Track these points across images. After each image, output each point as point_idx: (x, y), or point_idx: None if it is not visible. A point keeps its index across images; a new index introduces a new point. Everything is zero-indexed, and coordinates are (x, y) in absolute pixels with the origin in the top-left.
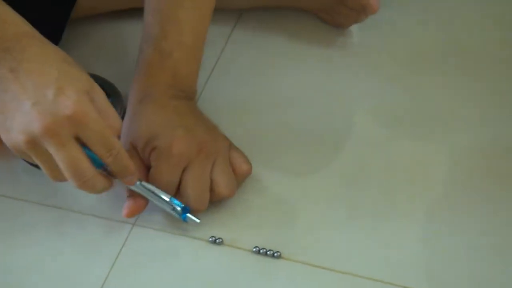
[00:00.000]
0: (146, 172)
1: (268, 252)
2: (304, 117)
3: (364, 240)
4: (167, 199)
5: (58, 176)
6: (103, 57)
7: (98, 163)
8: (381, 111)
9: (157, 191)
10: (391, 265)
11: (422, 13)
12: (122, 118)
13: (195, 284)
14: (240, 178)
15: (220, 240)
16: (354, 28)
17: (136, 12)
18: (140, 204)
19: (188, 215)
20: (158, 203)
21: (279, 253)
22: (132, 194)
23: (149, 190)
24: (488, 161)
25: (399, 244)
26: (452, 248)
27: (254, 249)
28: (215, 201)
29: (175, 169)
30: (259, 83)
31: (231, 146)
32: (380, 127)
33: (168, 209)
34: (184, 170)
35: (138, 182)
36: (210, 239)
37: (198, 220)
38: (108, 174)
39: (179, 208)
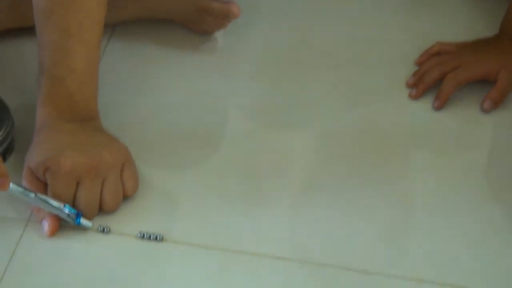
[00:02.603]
0: (45, 189)
1: (152, 237)
2: (182, 118)
3: (237, 220)
4: (61, 207)
5: None
6: None
7: None
8: (247, 106)
9: (50, 200)
10: (264, 240)
11: (275, 16)
12: (11, 130)
13: (87, 274)
14: (125, 197)
15: (108, 229)
16: (219, 34)
17: (25, 31)
18: (54, 219)
19: (82, 219)
20: (55, 211)
21: (161, 236)
22: (42, 216)
23: (44, 200)
24: (341, 146)
25: (269, 221)
26: (314, 222)
27: (139, 235)
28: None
29: (67, 187)
30: (137, 89)
31: (126, 163)
32: (248, 121)
33: (63, 216)
34: (78, 185)
35: (33, 195)
36: (98, 228)
37: (90, 224)
38: None
39: (73, 214)
